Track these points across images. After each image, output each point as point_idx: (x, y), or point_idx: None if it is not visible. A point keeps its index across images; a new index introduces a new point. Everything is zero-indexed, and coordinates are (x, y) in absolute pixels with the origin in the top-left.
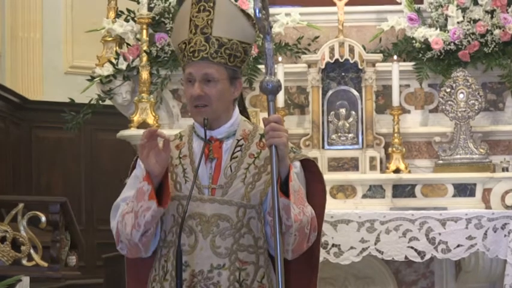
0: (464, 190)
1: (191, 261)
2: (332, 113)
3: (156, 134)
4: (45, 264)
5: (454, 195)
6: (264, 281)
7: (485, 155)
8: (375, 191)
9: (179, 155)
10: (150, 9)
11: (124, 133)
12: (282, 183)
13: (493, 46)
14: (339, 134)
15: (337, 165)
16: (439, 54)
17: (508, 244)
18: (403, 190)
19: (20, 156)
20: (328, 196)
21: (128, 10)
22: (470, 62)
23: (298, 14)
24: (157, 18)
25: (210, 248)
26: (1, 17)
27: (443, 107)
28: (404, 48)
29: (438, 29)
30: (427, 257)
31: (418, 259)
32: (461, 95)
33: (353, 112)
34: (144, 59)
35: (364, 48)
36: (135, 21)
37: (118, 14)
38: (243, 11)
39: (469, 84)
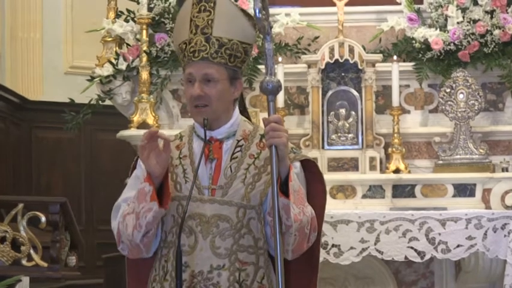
0: (464, 190)
1: (191, 262)
2: (332, 113)
3: (157, 135)
4: (45, 265)
5: (453, 196)
6: (264, 282)
7: (485, 155)
8: (374, 191)
9: (179, 156)
10: (150, 9)
11: (124, 133)
12: (282, 183)
13: (492, 46)
14: (339, 134)
15: (337, 165)
16: (438, 54)
17: (507, 244)
18: (403, 190)
19: (20, 156)
20: (328, 196)
21: (128, 10)
22: (470, 62)
23: (298, 14)
24: (157, 18)
25: (209, 248)
26: (1, 17)
27: (443, 107)
28: (404, 48)
29: (438, 29)
30: (427, 257)
31: (418, 259)
32: (461, 95)
33: (353, 112)
34: (144, 59)
35: (364, 49)
36: (135, 21)
37: (118, 14)
38: (243, 11)
39: (468, 84)
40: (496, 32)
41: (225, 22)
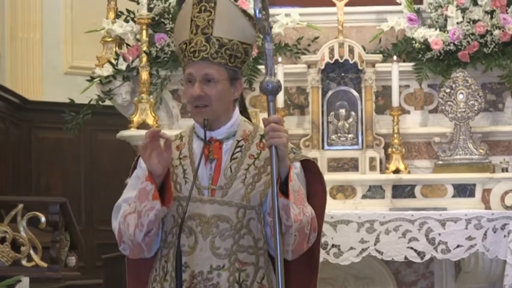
0: (463, 190)
1: (191, 262)
2: (332, 113)
3: (159, 135)
4: (45, 265)
5: (453, 196)
6: (264, 282)
7: (484, 155)
8: (374, 191)
9: (179, 156)
10: (149, 9)
11: (124, 133)
12: (282, 184)
13: (492, 46)
14: (339, 135)
15: (337, 165)
16: (438, 54)
17: (507, 244)
18: (402, 190)
19: (20, 156)
20: (327, 196)
21: (128, 11)
22: (470, 63)
23: (298, 14)
24: (157, 18)
25: (209, 249)
26: (1, 18)
27: (443, 107)
28: (404, 48)
29: (438, 30)
30: (427, 257)
31: (417, 259)
32: (460, 96)
33: (353, 113)
34: (144, 59)
35: (364, 49)
36: (134, 21)
37: (118, 15)
38: (244, 11)
39: (468, 84)
40: (496, 32)
41: (226, 22)
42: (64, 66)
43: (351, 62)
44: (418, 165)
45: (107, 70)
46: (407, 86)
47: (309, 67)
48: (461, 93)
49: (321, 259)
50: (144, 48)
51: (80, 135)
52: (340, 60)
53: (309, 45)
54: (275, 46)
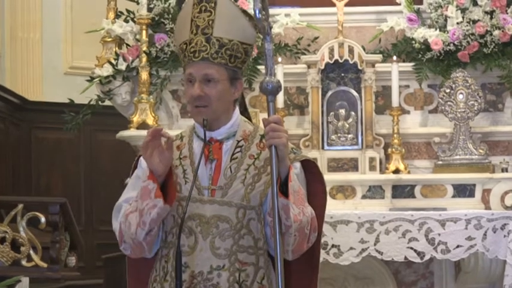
0: (463, 191)
1: (191, 262)
2: (332, 113)
3: (160, 134)
4: (45, 265)
5: (453, 196)
6: (264, 282)
7: (484, 155)
8: (374, 191)
9: (179, 156)
10: (149, 9)
11: (123, 134)
12: (282, 184)
13: (492, 47)
14: (339, 135)
15: (337, 165)
16: (438, 54)
17: (507, 245)
18: (402, 191)
19: (20, 157)
20: (327, 197)
21: (128, 11)
22: (470, 63)
23: (298, 14)
24: (156, 19)
25: (209, 249)
26: (1, 17)
27: (443, 107)
28: (403, 48)
29: (438, 30)
30: (427, 257)
31: (417, 260)
32: (460, 96)
33: (352, 113)
34: (144, 59)
35: (364, 49)
36: (134, 21)
37: (117, 15)
38: (244, 11)
39: (468, 84)
40: (496, 32)
41: (226, 22)
42: (64, 67)
43: (351, 62)
44: (417, 165)
45: (106, 70)
46: (407, 86)
47: (308, 67)
48: (461, 93)
49: (320, 259)
50: (144, 49)
51: (79, 135)
52: (340, 61)
53: (308, 45)
54: (275, 46)
